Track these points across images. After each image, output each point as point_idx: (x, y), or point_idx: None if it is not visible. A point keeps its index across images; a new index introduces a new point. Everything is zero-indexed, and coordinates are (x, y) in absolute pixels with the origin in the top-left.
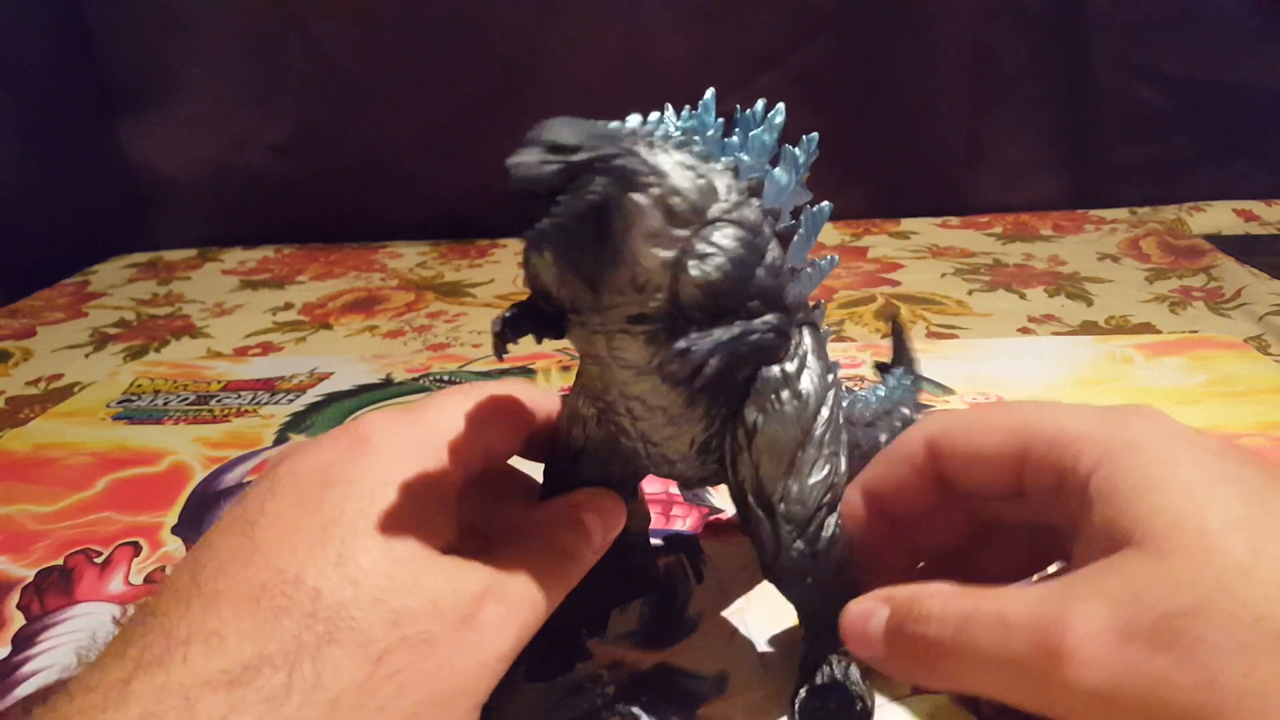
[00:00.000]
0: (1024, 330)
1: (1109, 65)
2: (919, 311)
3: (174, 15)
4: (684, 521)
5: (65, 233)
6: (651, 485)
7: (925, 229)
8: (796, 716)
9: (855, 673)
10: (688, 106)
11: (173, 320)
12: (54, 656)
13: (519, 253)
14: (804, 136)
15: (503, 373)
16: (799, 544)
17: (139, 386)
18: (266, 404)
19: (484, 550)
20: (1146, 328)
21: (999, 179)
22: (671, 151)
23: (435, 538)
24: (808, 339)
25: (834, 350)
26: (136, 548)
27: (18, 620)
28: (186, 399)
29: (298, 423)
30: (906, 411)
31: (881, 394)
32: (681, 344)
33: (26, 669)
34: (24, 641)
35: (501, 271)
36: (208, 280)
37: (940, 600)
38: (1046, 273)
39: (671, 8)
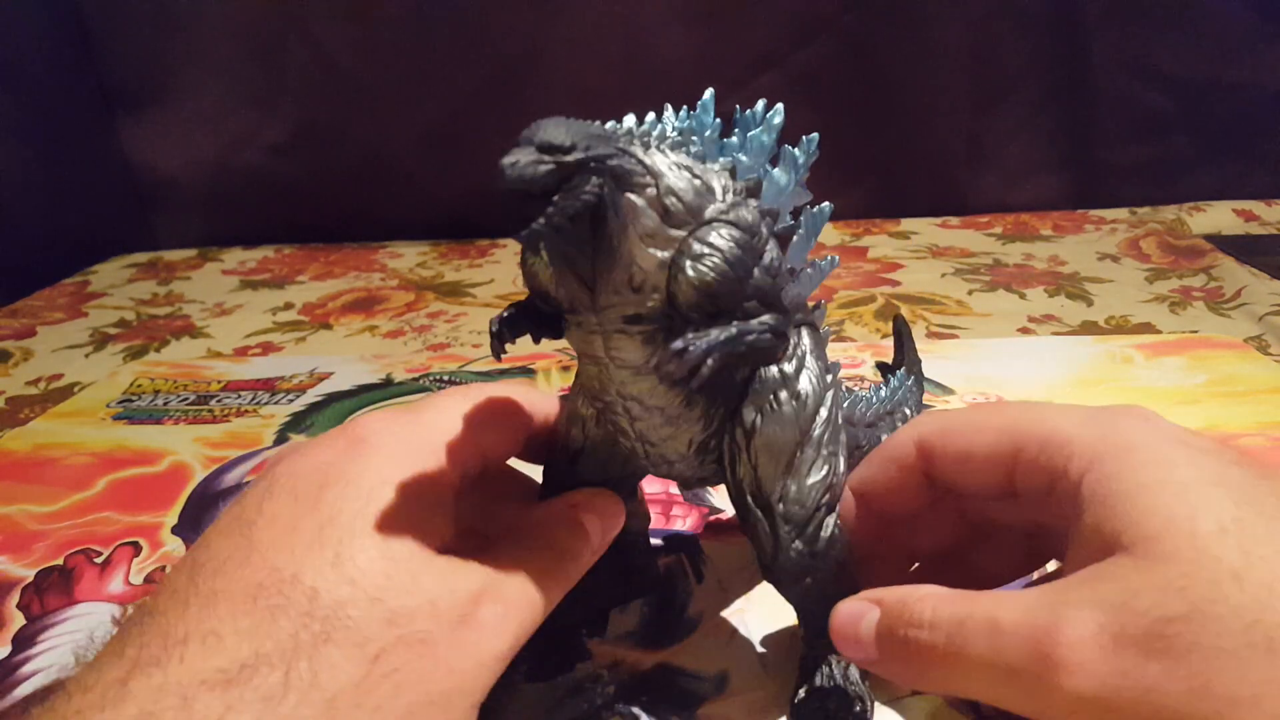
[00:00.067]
0: (1024, 330)
1: (1109, 65)
2: (919, 311)
3: (174, 15)
4: (684, 521)
5: (65, 233)
6: (651, 485)
7: (925, 229)
8: (796, 717)
9: (855, 673)
10: (686, 106)
11: (173, 320)
12: (54, 656)
13: (519, 253)
14: (804, 137)
15: (502, 373)
16: (798, 544)
17: (139, 386)
18: (266, 404)
19: (482, 550)
20: (1146, 328)
21: (999, 179)
22: (668, 152)
23: (433, 537)
24: (807, 339)
25: (834, 350)
26: (136, 548)
27: (18, 620)
28: (186, 399)
29: (298, 423)
30: (908, 412)
31: (883, 394)
32: (678, 344)
33: (26, 669)
34: (24, 641)
35: (501, 271)
36: (208, 280)
37: (932, 605)
38: (1046, 273)
39: (671, 8)
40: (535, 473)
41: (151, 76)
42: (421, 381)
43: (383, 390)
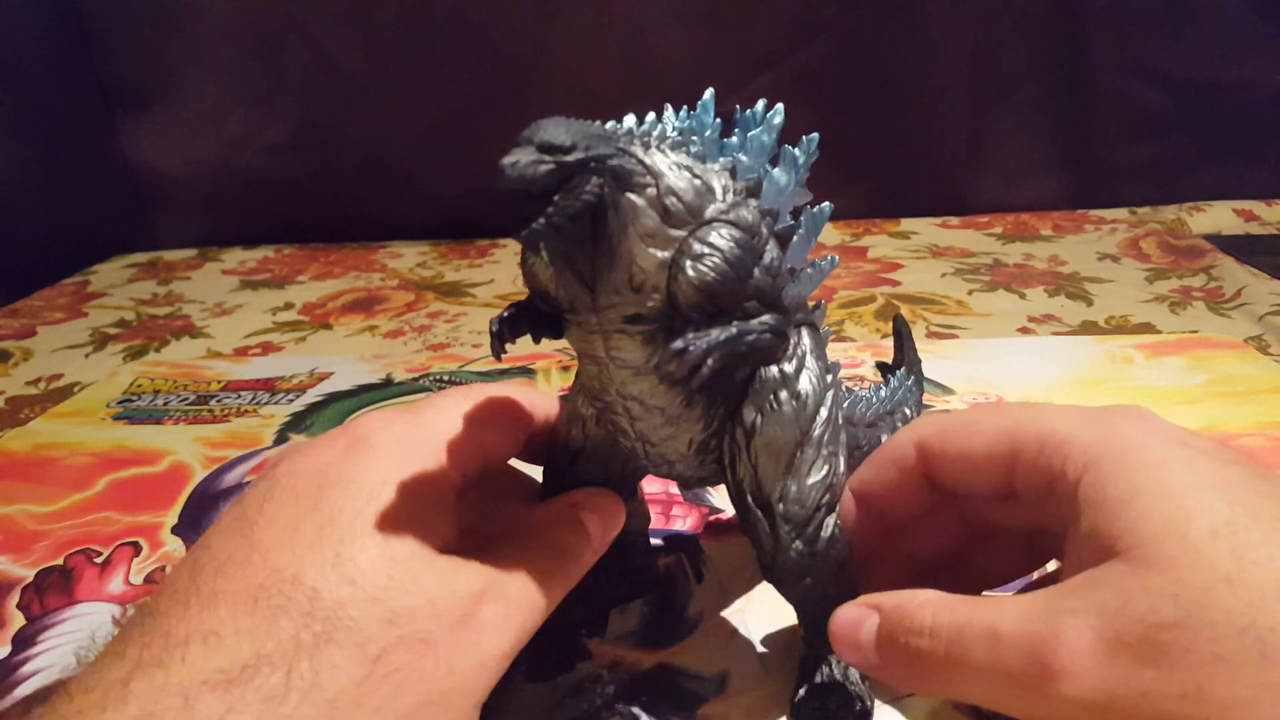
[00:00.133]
0: (1024, 330)
1: (1109, 65)
2: (919, 311)
3: (174, 15)
4: (684, 521)
5: (65, 233)
6: (651, 485)
7: (925, 229)
8: (796, 716)
9: (855, 673)
10: (686, 106)
11: (173, 320)
12: (54, 657)
13: (519, 253)
14: (804, 137)
15: (502, 373)
16: (798, 544)
17: (139, 386)
18: (266, 404)
19: (483, 550)
20: (1146, 328)
21: (999, 179)
22: (668, 152)
23: (433, 537)
24: (807, 339)
25: (834, 350)
26: (136, 548)
27: (18, 620)
28: (186, 399)
29: (298, 423)
30: (909, 412)
31: (883, 394)
32: (678, 344)
33: (26, 669)
34: (24, 641)
35: (501, 272)
36: (208, 280)
37: (931, 611)
38: (1046, 273)
39: (671, 8)
40: (536, 472)
41: (151, 76)
42: (421, 381)
43: (383, 390)
